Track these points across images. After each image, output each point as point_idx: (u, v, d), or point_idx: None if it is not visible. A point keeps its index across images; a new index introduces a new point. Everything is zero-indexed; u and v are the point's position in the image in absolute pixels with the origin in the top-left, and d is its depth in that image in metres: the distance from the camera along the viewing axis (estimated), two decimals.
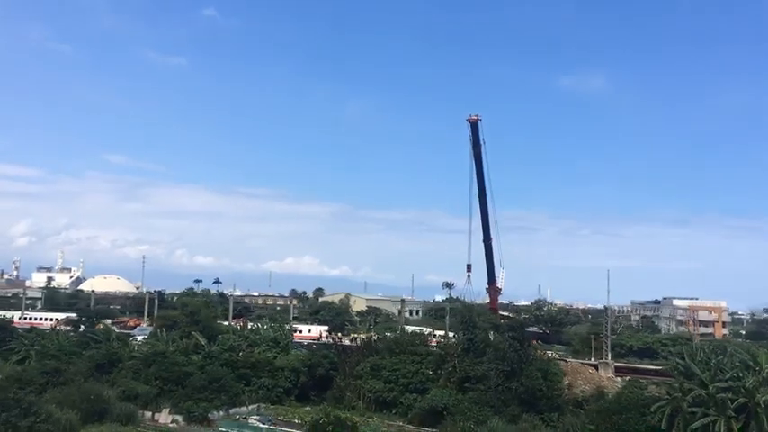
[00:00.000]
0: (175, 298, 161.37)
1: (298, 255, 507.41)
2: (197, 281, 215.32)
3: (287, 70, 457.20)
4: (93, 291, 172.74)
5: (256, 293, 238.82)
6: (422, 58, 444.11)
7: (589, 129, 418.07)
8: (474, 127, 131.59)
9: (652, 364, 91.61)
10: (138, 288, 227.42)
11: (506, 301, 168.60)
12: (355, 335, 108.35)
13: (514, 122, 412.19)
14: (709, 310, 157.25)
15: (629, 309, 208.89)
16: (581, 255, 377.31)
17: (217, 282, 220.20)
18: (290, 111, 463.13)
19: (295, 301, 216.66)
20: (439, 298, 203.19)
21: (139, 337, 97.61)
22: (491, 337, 73.11)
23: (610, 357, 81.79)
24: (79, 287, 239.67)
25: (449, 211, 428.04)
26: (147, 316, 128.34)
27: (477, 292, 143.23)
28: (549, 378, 67.65)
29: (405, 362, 78.38)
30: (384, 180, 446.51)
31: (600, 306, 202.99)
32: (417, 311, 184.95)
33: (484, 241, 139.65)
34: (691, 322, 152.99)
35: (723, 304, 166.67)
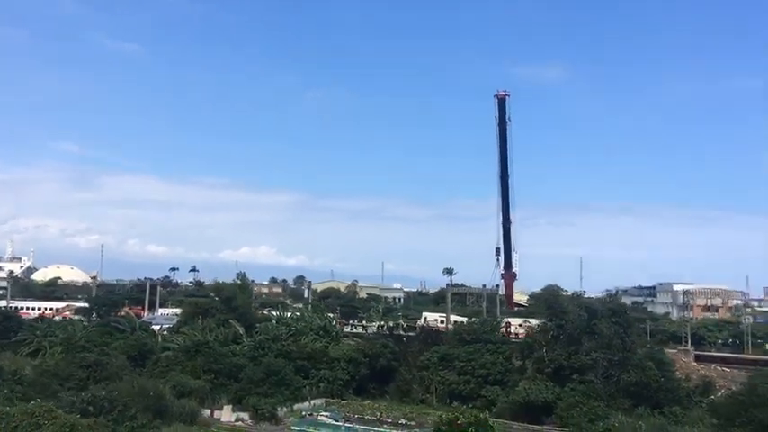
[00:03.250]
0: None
1: (254, 244, 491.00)
2: (173, 269, 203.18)
3: (244, 56, 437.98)
4: (93, 278, 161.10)
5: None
6: (381, 39, 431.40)
7: (540, 118, 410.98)
8: (501, 103, 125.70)
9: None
10: (93, 278, 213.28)
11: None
12: (381, 323, 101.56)
13: (467, 111, 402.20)
14: (720, 294, 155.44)
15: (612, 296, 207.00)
16: (534, 244, 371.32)
17: (193, 270, 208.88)
18: (248, 98, 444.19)
19: (279, 289, 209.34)
20: (399, 286, 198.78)
21: (160, 326, 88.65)
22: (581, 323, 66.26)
23: (690, 344, 76.57)
24: (31, 276, 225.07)
25: (408, 200, 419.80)
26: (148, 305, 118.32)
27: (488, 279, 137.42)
28: (664, 368, 61.64)
29: (480, 351, 71.63)
30: (343, 169, 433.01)
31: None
32: (400, 299, 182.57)
33: (503, 224, 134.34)
34: (698, 308, 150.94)
35: (726, 288, 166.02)
